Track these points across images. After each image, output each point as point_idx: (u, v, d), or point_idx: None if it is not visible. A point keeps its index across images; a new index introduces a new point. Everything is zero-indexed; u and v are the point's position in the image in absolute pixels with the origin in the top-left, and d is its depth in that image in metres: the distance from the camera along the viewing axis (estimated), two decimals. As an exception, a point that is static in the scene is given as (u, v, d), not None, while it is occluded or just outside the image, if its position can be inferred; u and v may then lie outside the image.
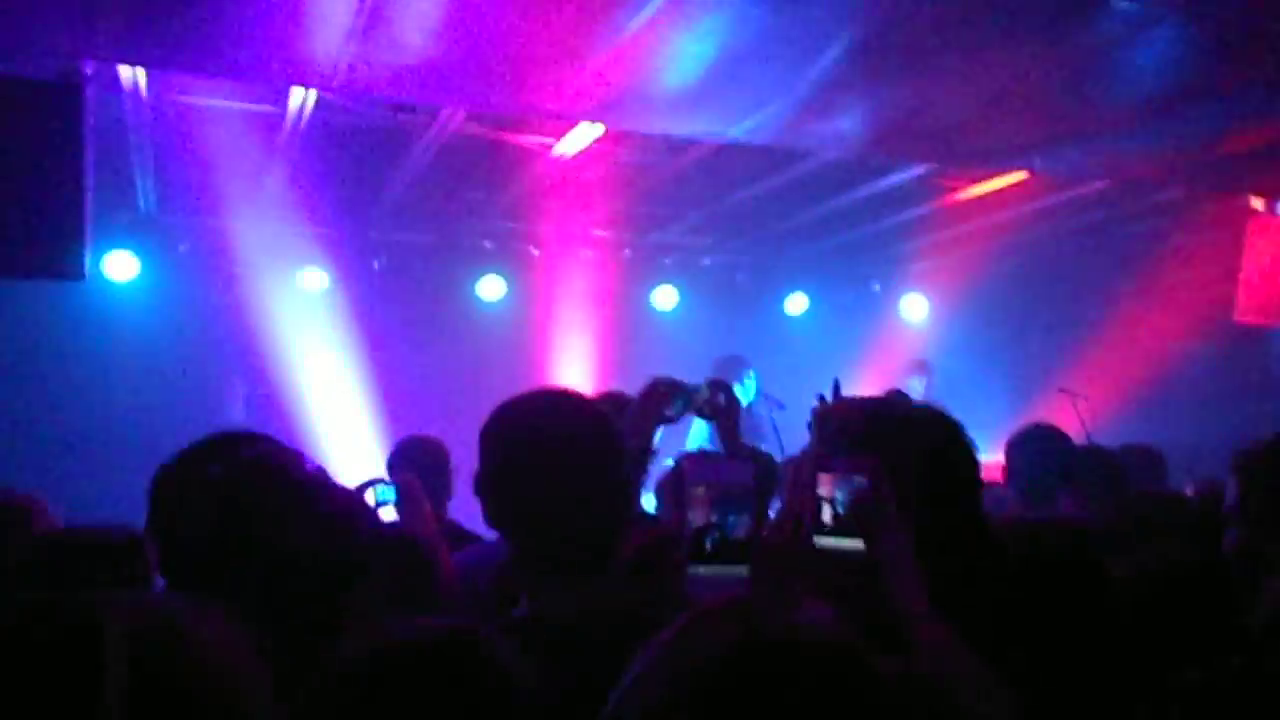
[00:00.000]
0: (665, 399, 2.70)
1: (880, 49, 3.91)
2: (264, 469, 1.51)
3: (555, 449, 1.70)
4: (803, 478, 1.59)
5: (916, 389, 8.14)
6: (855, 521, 1.54)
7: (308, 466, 1.60)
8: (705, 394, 2.81)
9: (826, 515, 1.56)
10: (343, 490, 1.53)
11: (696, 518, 1.18)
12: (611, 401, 3.18)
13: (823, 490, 1.56)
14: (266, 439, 1.82)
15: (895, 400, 2.05)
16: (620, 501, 1.75)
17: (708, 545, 1.17)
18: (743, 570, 1.16)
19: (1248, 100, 4.54)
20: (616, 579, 1.74)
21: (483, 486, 1.76)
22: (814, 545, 1.54)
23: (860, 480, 1.55)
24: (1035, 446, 3.72)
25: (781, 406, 6.33)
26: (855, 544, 1.54)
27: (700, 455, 1.23)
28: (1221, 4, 3.55)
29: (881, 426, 1.88)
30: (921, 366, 8.24)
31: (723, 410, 2.81)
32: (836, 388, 2.53)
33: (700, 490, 1.18)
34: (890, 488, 1.62)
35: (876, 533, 1.54)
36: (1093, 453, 3.93)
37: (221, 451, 1.62)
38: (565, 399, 1.85)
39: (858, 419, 1.87)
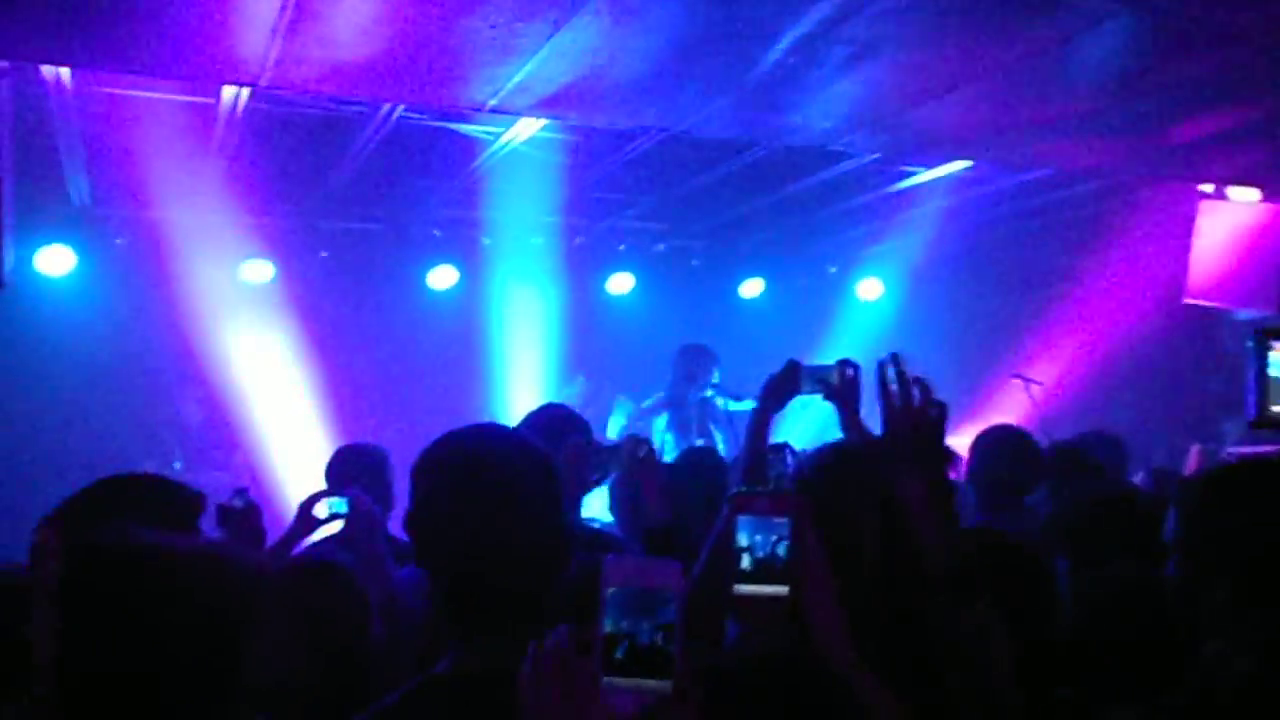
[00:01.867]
0: (584, 462, 2.65)
1: (828, 42, 3.82)
2: (116, 565, 1.39)
3: (487, 492, 1.62)
4: (723, 523, 1.52)
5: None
6: (780, 567, 1.47)
7: (189, 537, 1.49)
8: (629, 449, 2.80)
9: (746, 561, 1.49)
10: (227, 561, 1.43)
11: (610, 623, 1.06)
12: (551, 418, 3.12)
13: (742, 537, 1.49)
14: (157, 490, 1.72)
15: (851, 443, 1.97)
16: (556, 547, 1.68)
17: (619, 654, 1.06)
18: (654, 683, 1.05)
19: (1196, 90, 4.51)
20: (548, 629, 1.67)
21: (411, 526, 1.68)
22: (733, 592, 1.48)
23: (782, 522, 1.49)
24: (1000, 450, 3.68)
25: (738, 397, 6.27)
26: (777, 589, 1.47)
27: (621, 557, 1.10)
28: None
29: (818, 465, 1.81)
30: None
31: (642, 464, 2.78)
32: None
33: (614, 592, 1.07)
34: (814, 531, 1.56)
35: (800, 579, 1.48)
36: (1063, 450, 3.91)
37: (87, 518, 1.51)
38: (502, 436, 1.77)
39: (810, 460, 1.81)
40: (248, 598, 1.45)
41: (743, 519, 1.49)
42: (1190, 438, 7.10)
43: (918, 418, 1.89)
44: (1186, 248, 6.80)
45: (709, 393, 6.37)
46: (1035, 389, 6.88)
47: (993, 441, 3.77)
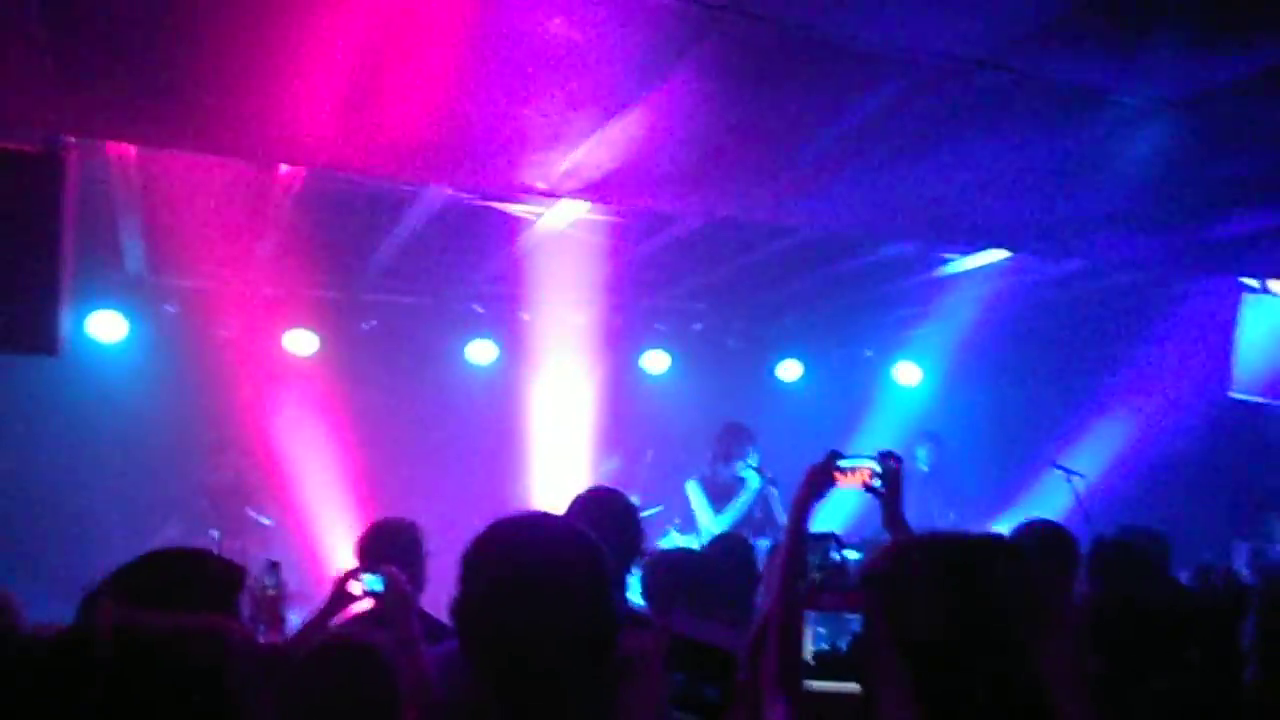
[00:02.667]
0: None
1: (873, 136, 3.88)
2: (134, 648, 1.41)
3: (535, 583, 1.62)
4: (787, 617, 1.51)
5: (922, 458, 8.09)
6: (851, 663, 1.46)
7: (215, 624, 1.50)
8: None
9: (808, 654, 1.48)
10: (228, 644, 1.46)
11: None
12: (599, 502, 3.12)
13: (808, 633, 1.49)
14: (198, 567, 1.75)
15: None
16: (605, 635, 1.67)
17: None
18: None
19: (1240, 186, 4.52)
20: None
21: (458, 616, 1.67)
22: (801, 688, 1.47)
23: (852, 619, 1.48)
24: (1037, 547, 3.56)
25: (774, 483, 6.23)
26: (847, 687, 1.46)
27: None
28: (1218, 100, 3.52)
29: (883, 564, 1.78)
30: (929, 436, 8.19)
31: None
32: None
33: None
34: (887, 629, 1.54)
35: (874, 677, 1.46)
36: (1108, 544, 3.83)
37: (129, 595, 1.53)
38: (550, 526, 1.77)
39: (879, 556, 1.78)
40: (249, 682, 1.46)
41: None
42: (1237, 535, 6.94)
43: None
44: (1231, 340, 6.74)
45: (746, 473, 6.34)
46: (1076, 480, 6.77)
47: (1028, 537, 3.68)
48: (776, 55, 3.24)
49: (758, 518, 6.28)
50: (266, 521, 6.88)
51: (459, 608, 1.68)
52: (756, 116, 3.73)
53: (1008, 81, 3.38)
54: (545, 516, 1.87)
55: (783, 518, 6.20)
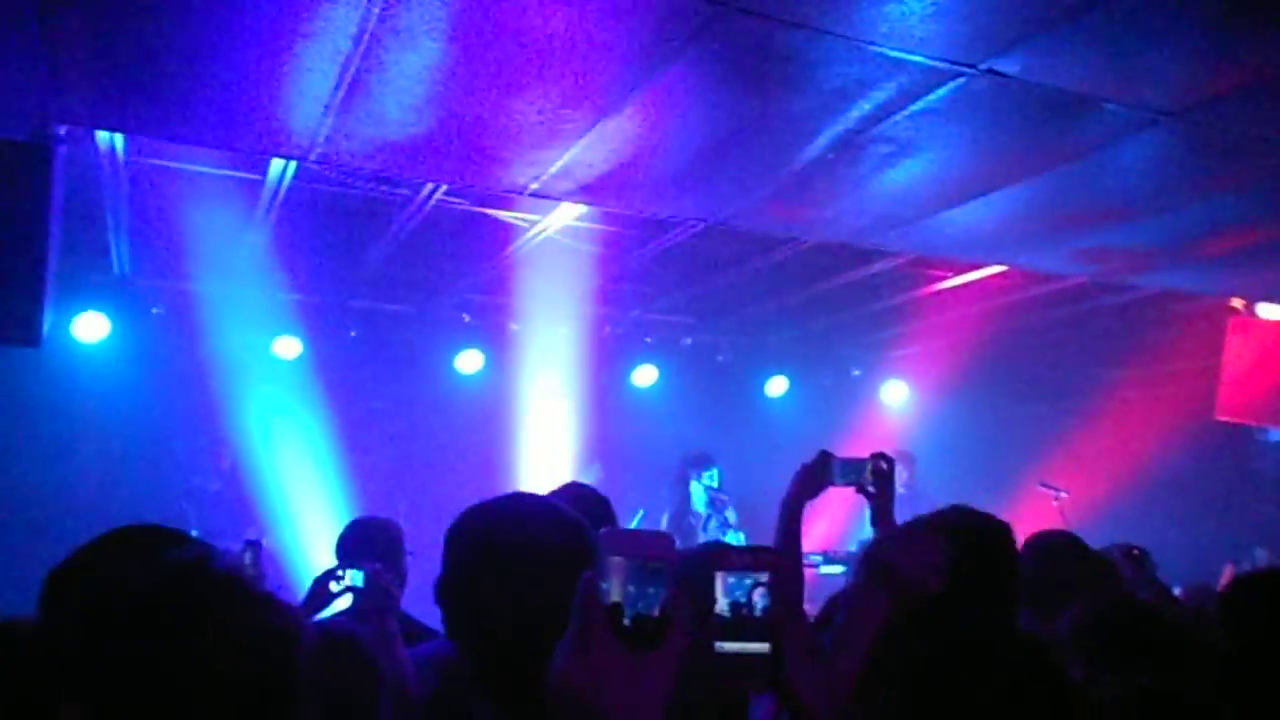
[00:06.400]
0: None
1: (866, 140, 3.88)
2: (195, 577, 1.33)
3: (517, 561, 1.58)
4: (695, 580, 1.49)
5: (900, 478, 8.07)
6: (759, 622, 1.43)
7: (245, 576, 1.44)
8: None
9: (724, 609, 1.46)
10: (276, 604, 1.39)
11: (612, 591, 1.12)
12: (577, 498, 3.07)
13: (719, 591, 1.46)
14: (182, 539, 1.69)
15: None
16: None
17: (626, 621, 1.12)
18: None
19: (1231, 204, 4.54)
20: None
21: (444, 595, 1.64)
22: (713, 651, 1.44)
23: (760, 578, 1.45)
24: (1051, 558, 3.46)
25: (722, 495, 6.30)
26: (758, 647, 1.43)
27: (615, 529, 1.16)
28: (1211, 111, 3.54)
29: None
30: (904, 457, 8.17)
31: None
32: None
33: (616, 560, 1.13)
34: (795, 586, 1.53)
35: (780, 633, 1.43)
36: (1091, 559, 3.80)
37: (136, 551, 1.46)
38: (533, 505, 1.73)
39: None
40: (298, 657, 1.40)
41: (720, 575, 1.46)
42: (1223, 557, 6.93)
43: None
44: (1218, 363, 6.76)
45: (699, 500, 6.40)
46: (1061, 496, 6.77)
47: (1041, 550, 3.58)
48: (769, 56, 3.24)
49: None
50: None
51: (442, 583, 1.64)
52: (749, 118, 3.73)
53: (998, 87, 3.39)
54: (525, 495, 1.83)
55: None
